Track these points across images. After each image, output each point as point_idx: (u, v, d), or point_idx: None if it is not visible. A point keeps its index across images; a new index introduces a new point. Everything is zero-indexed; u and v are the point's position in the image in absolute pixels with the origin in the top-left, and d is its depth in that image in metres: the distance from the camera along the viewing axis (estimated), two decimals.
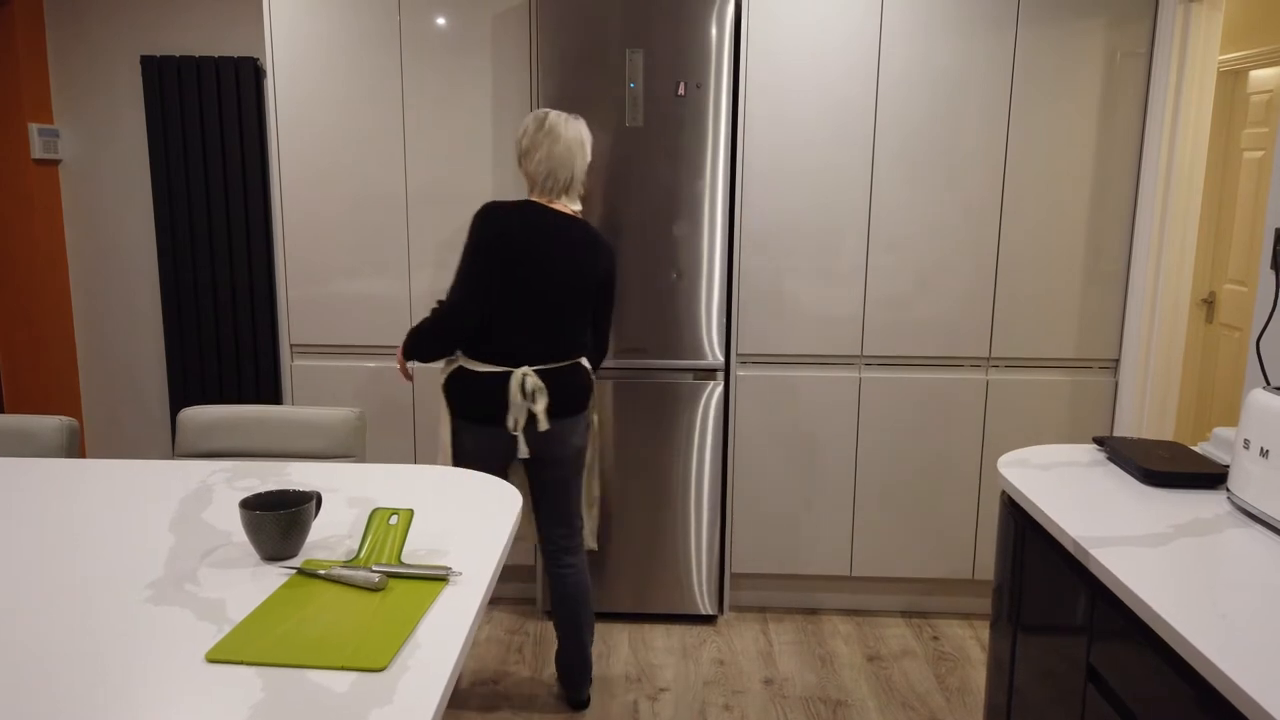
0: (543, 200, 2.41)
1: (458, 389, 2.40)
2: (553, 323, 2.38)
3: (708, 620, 3.21)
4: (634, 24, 2.84)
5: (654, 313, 2.99)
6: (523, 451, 2.40)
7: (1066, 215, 3.01)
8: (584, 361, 2.49)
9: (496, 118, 3.04)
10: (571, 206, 2.43)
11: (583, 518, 2.62)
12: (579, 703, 2.68)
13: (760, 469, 3.17)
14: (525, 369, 2.36)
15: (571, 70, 2.85)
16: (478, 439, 2.41)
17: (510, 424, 2.37)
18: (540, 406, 2.36)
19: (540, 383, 2.37)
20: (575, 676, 2.65)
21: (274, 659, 1.16)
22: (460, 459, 2.46)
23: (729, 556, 3.22)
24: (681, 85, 2.84)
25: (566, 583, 2.59)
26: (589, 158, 2.46)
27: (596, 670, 2.88)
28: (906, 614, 3.28)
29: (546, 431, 2.40)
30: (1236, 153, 3.73)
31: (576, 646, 2.63)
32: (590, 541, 2.69)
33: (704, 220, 2.94)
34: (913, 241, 3.03)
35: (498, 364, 2.37)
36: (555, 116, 2.41)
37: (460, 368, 2.40)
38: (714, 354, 3.02)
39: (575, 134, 2.40)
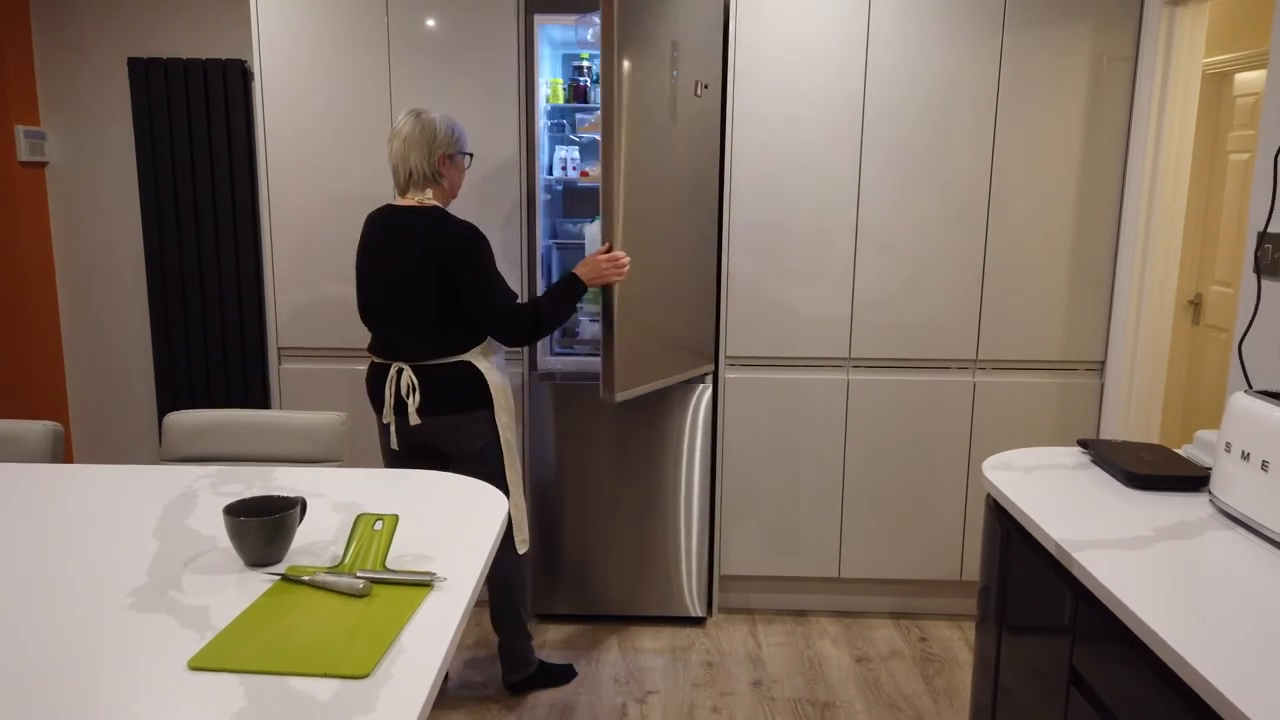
0: (397, 196, 2.52)
1: (365, 379, 2.62)
2: (407, 316, 2.44)
3: (697, 622, 3.21)
4: (671, 17, 2.75)
5: (698, 318, 2.93)
6: (393, 442, 2.53)
7: (1053, 218, 3.02)
8: (474, 362, 2.46)
9: (485, 119, 3.03)
10: (422, 198, 2.47)
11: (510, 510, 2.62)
12: (507, 685, 2.78)
13: (749, 471, 3.17)
14: (402, 364, 2.46)
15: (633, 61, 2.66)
16: (377, 425, 2.63)
17: (382, 414, 2.51)
18: (412, 403, 2.44)
19: (414, 379, 2.44)
20: (501, 660, 2.76)
21: (257, 666, 1.16)
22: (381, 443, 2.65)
23: (718, 558, 3.23)
24: (698, 85, 2.82)
25: (490, 575, 2.67)
26: (441, 149, 2.45)
27: (584, 671, 2.88)
28: (894, 615, 3.29)
29: (423, 427, 2.48)
30: (1223, 155, 3.75)
31: (498, 631, 2.73)
32: (516, 544, 2.67)
33: (705, 221, 2.94)
34: (901, 244, 3.04)
35: (381, 357, 2.50)
36: (403, 117, 2.47)
37: (370, 360, 2.57)
38: (705, 356, 3.02)
39: (410, 131, 2.43)
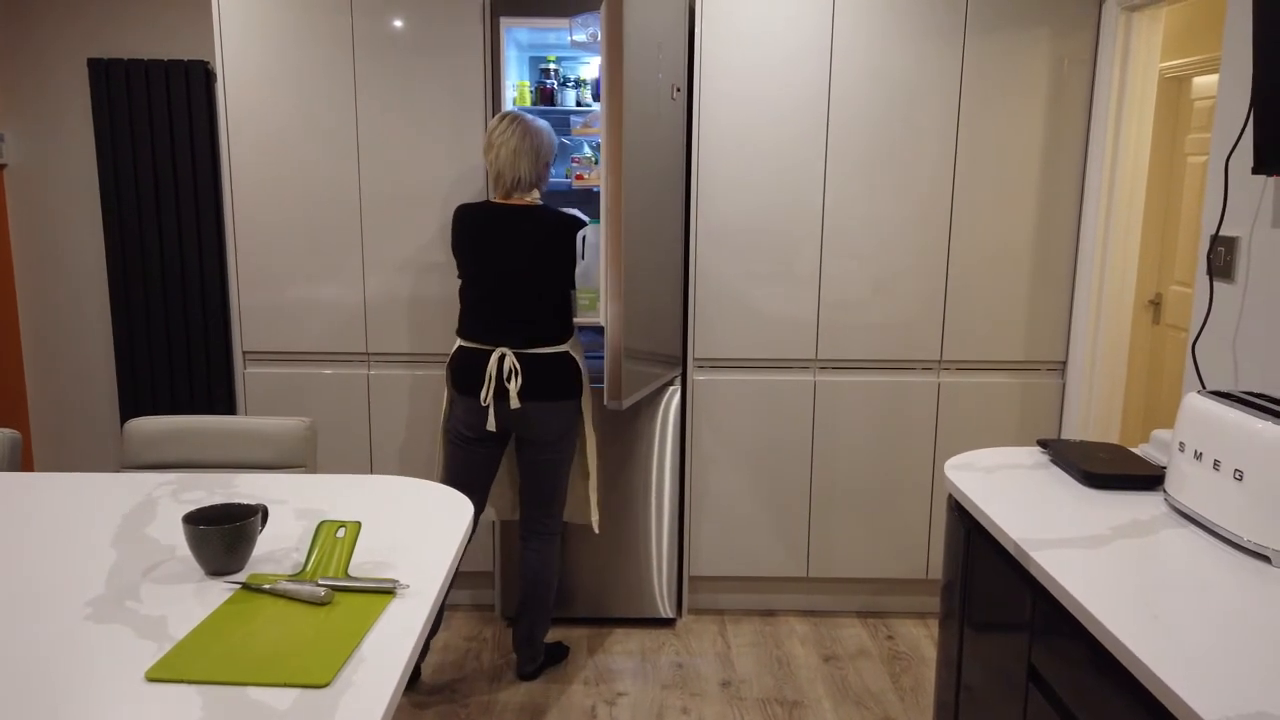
0: (499, 197, 2.64)
1: (451, 363, 2.69)
2: (522, 306, 2.60)
3: (667, 623, 3.22)
4: (655, 20, 2.74)
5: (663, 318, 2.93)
6: (490, 424, 2.62)
7: (1015, 219, 3.06)
8: (572, 352, 2.66)
9: (451, 118, 3.02)
10: (528, 198, 2.63)
11: (562, 507, 2.81)
12: (523, 675, 2.88)
13: (718, 472, 3.19)
14: (505, 349, 2.59)
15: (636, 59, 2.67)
16: (462, 409, 2.67)
17: (481, 396, 2.60)
18: (514, 386, 2.57)
19: (516, 364, 2.58)
20: (520, 651, 2.86)
21: (215, 677, 1.15)
22: (448, 427, 2.75)
23: (687, 560, 3.24)
24: (673, 88, 2.83)
25: (527, 564, 2.80)
26: (546, 159, 2.62)
27: (556, 674, 2.88)
28: (862, 614, 3.32)
29: (520, 411, 2.61)
30: (1181, 157, 3.81)
31: (524, 625, 2.83)
32: (591, 524, 2.92)
33: (676, 224, 2.95)
34: (865, 246, 3.07)
35: (480, 342, 2.62)
36: (507, 123, 2.59)
37: (457, 345, 2.68)
38: (673, 358, 3.03)
39: (518, 142, 2.57)
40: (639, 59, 2.57)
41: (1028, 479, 1.91)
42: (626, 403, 2.67)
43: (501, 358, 2.59)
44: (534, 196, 2.64)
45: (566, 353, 2.65)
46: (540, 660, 2.87)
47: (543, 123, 2.63)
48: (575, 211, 2.67)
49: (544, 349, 2.62)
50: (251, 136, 3.03)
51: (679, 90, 2.86)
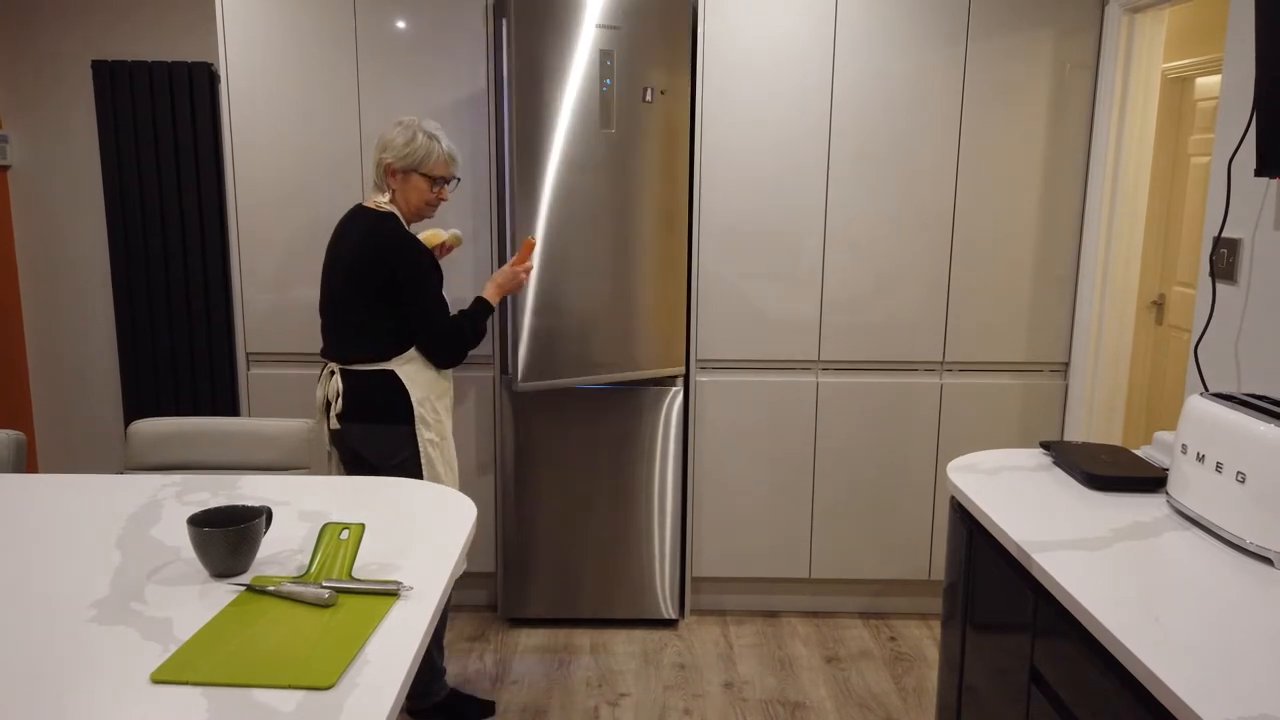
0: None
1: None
2: (334, 319, 2.44)
3: (669, 624, 3.23)
4: (606, 24, 2.81)
5: (621, 321, 2.98)
6: (323, 443, 2.48)
7: (1017, 221, 3.06)
8: (397, 371, 2.39)
9: (454, 119, 3.03)
10: (376, 199, 2.44)
11: None
12: (409, 711, 2.59)
13: (721, 474, 3.19)
14: (333, 366, 2.43)
15: (545, 71, 2.77)
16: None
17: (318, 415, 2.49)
18: (335, 406, 2.41)
19: (340, 384, 2.40)
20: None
21: (220, 678, 1.15)
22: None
23: (690, 560, 3.24)
24: (648, 91, 2.84)
25: None
26: (388, 158, 2.40)
27: (557, 674, 2.89)
28: (865, 615, 3.32)
29: (342, 432, 2.42)
30: (1185, 158, 3.81)
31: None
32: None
33: (671, 227, 2.95)
34: (868, 247, 3.07)
35: (321, 356, 2.50)
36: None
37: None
38: (675, 360, 3.04)
39: (378, 141, 2.45)
40: (551, 72, 2.75)
41: (1030, 481, 1.92)
42: (525, 386, 2.80)
43: (330, 375, 2.42)
44: (380, 200, 2.42)
45: (390, 371, 2.39)
46: (438, 697, 2.59)
47: (417, 133, 2.39)
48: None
49: (365, 365, 2.39)
50: (255, 138, 3.04)
51: (662, 92, 2.87)
